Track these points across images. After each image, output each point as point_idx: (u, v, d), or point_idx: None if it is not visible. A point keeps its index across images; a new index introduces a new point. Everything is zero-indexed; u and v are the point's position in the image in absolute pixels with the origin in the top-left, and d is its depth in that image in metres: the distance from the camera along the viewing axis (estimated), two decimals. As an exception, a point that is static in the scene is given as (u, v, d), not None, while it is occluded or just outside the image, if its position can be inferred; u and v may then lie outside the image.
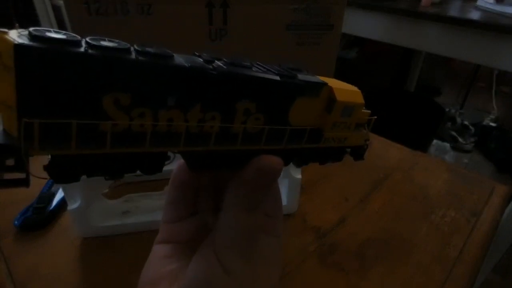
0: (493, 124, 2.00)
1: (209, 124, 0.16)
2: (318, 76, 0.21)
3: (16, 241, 0.42)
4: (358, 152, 0.25)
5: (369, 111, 0.23)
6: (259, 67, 0.18)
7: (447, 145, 1.93)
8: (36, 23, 2.09)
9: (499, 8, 1.08)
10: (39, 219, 0.44)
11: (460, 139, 1.91)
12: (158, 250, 0.22)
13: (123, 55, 0.13)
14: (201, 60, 0.16)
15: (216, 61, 0.16)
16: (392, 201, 0.51)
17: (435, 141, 1.92)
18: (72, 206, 0.39)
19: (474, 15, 1.09)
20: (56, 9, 2.10)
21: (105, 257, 0.40)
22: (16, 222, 0.43)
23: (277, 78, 0.17)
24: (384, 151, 0.63)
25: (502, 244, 0.87)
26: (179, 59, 0.15)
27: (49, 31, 0.12)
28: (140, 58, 0.13)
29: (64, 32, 0.13)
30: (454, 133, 1.94)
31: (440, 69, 2.32)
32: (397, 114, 1.63)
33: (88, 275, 0.38)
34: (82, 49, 0.12)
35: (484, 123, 2.02)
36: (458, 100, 2.20)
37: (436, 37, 1.12)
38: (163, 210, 0.23)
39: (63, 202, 0.46)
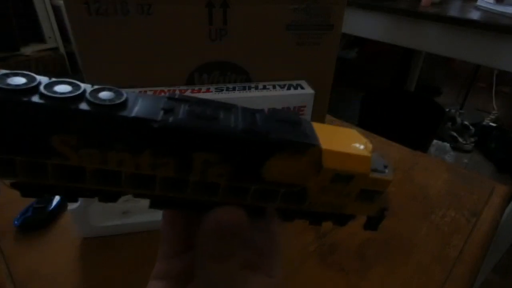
0: (493, 124, 2.00)
1: (161, 170, 0.16)
2: (317, 133, 0.18)
3: (16, 241, 0.42)
4: (370, 222, 0.22)
5: (389, 179, 0.19)
6: (234, 116, 0.17)
7: (447, 145, 1.94)
8: (36, 23, 2.09)
9: (499, 8, 1.08)
10: (39, 219, 0.44)
11: (460, 139, 1.91)
12: (152, 286, 0.21)
13: (66, 104, 0.14)
14: (162, 105, 0.16)
15: (183, 105, 0.16)
16: (392, 201, 0.51)
17: (435, 141, 1.92)
18: (72, 206, 0.39)
19: (474, 15, 1.09)
20: (56, 9, 2.10)
21: (105, 257, 0.40)
22: (16, 222, 0.43)
23: (240, 135, 0.16)
24: (384, 151, 0.63)
25: (502, 244, 0.87)
26: (135, 104, 0.15)
27: (16, 74, 0.14)
28: (81, 108, 0.14)
29: (29, 74, 0.14)
30: (454, 133, 1.94)
31: (440, 69, 2.32)
32: (397, 114, 1.63)
33: (88, 275, 0.38)
34: (26, 98, 0.13)
35: (484, 123, 2.02)
36: (458, 100, 2.20)
37: (436, 37, 1.12)
38: (159, 247, 0.22)
39: (63, 202, 0.46)
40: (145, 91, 0.44)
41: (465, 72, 2.24)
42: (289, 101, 0.49)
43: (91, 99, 0.14)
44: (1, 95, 0.13)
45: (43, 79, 0.14)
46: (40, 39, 2.15)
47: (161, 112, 0.15)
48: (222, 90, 0.47)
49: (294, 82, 0.51)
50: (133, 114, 0.15)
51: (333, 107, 0.67)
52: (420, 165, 0.59)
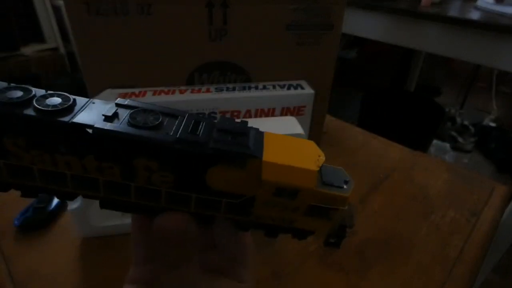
0: (493, 124, 2.00)
1: (108, 174, 0.17)
2: (266, 144, 0.18)
3: (16, 241, 0.42)
4: (330, 238, 0.21)
5: (344, 195, 0.18)
6: (177, 125, 0.17)
7: (447, 145, 1.94)
8: (36, 23, 2.09)
9: (499, 8, 1.08)
10: (39, 219, 0.44)
11: (460, 139, 1.91)
12: None
13: (12, 109, 0.15)
14: (105, 111, 0.16)
15: (128, 112, 0.17)
16: (392, 201, 0.51)
17: (435, 141, 1.92)
18: (72, 206, 0.39)
19: (474, 15, 1.09)
20: (56, 9, 2.10)
21: (105, 257, 0.40)
22: (16, 222, 0.43)
23: (173, 145, 0.16)
24: (384, 151, 0.63)
25: (502, 244, 0.87)
26: (81, 110, 0.16)
27: None
28: (25, 113, 0.15)
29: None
30: (454, 133, 1.94)
31: (440, 69, 2.32)
32: (397, 114, 1.63)
33: (88, 275, 0.38)
34: None
35: (484, 123, 2.02)
36: (458, 100, 2.20)
37: (436, 37, 1.12)
38: (132, 251, 0.23)
39: (63, 202, 0.46)
40: (145, 92, 0.44)
41: (465, 72, 2.24)
42: (289, 101, 0.49)
43: (36, 104, 0.15)
44: None
45: (0, 85, 0.16)
46: (40, 39, 2.15)
47: (102, 119, 0.16)
48: (222, 90, 0.47)
49: (294, 82, 0.51)
50: (73, 120, 0.15)
51: (333, 107, 0.67)
52: (420, 165, 0.59)
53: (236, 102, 0.46)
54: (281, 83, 0.50)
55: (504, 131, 1.89)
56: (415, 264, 0.41)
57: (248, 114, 0.48)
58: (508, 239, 0.86)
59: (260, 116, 0.49)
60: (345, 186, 0.18)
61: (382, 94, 1.79)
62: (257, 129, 0.18)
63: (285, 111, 0.49)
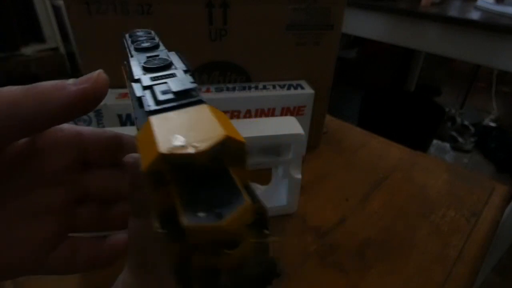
0: (493, 124, 2.00)
1: None
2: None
3: (16, 241, 0.42)
4: None
5: (185, 224, 0.10)
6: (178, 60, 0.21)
7: (447, 145, 1.94)
8: (36, 23, 2.09)
9: (499, 8, 1.08)
10: (39, 219, 0.44)
11: (460, 139, 1.91)
12: None
13: (139, 41, 0.23)
14: (150, 54, 0.22)
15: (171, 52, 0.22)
16: (392, 201, 0.51)
17: (435, 141, 1.92)
18: (72, 206, 0.39)
19: (474, 15, 1.09)
20: (56, 9, 2.10)
21: (105, 257, 0.40)
22: (16, 222, 0.43)
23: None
24: (384, 151, 0.63)
25: (502, 244, 0.88)
26: (152, 51, 0.22)
27: (140, 31, 0.25)
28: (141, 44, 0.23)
29: (147, 31, 0.25)
30: (454, 133, 1.94)
31: (440, 69, 2.32)
32: (397, 114, 1.63)
33: (88, 275, 0.38)
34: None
35: (484, 123, 2.02)
36: (458, 100, 2.20)
37: (436, 37, 1.12)
38: None
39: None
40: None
41: (465, 72, 2.24)
42: (289, 101, 0.49)
43: (144, 42, 0.23)
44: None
45: (147, 32, 0.25)
46: (40, 39, 2.15)
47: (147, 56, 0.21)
48: (222, 90, 0.47)
49: (294, 82, 0.51)
50: (132, 52, 0.22)
51: (333, 107, 0.67)
52: (420, 165, 0.59)
53: (236, 102, 0.46)
54: (281, 83, 0.50)
55: (504, 131, 1.89)
56: (415, 264, 0.41)
57: (248, 114, 0.48)
58: (508, 239, 0.86)
59: (260, 116, 0.49)
60: (200, 214, 0.10)
61: (382, 94, 1.79)
62: (201, 99, 0.16)
63: (285, 111, 0.49)
